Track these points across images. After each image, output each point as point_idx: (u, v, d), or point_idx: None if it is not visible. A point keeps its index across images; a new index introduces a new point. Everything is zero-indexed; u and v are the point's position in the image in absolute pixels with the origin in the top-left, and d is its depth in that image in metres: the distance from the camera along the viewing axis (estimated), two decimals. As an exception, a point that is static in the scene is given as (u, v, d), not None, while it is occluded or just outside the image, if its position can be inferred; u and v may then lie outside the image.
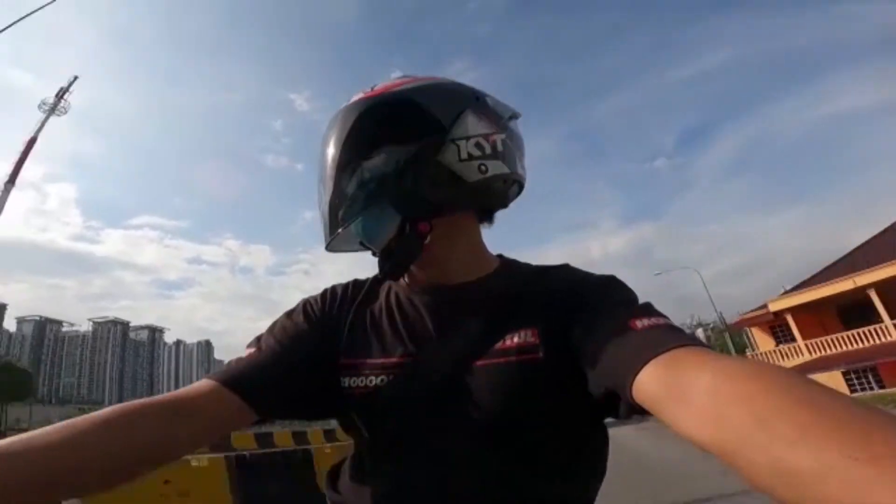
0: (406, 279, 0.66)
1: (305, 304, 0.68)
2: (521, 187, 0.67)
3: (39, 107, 65.19)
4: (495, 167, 0.60)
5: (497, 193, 0.63)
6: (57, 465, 0.43)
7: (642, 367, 0.43)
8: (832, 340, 18.98)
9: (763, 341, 22.44)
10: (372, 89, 0.63)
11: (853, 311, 19.02)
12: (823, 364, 17.85)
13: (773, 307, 20.82)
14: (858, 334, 18.23)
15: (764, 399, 0.32)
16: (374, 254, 0.63)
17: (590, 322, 0.53)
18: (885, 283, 17.33)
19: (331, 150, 0.61)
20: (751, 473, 0.31)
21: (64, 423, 0.47)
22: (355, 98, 0.63)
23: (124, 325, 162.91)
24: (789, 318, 20.31)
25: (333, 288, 0.70)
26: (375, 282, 0.69)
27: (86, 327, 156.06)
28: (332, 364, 0.61)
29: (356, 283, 0.70)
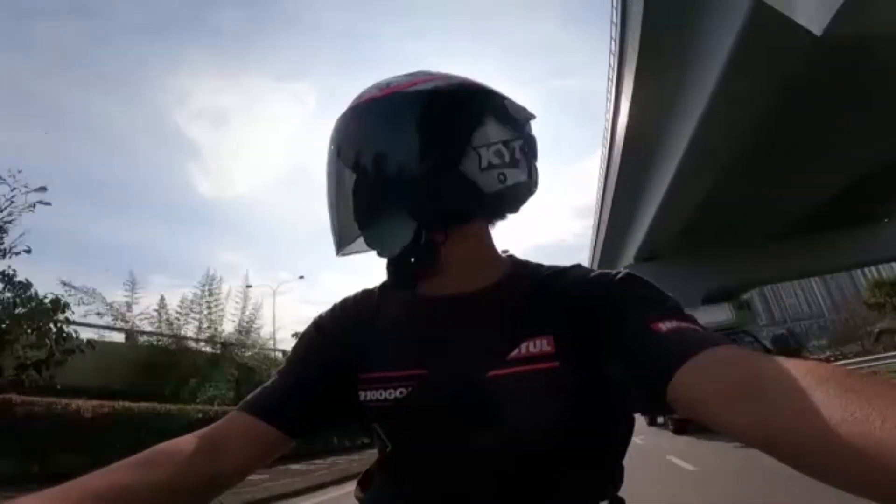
0: (418, 287, 0.65)
1: (317, 323, 0.68)
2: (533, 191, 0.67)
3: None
4: (513, 175, 0.59)
5: (512, 202, 0.63)
6: None
7: (678, 368, 0.43)
8: None
9: None
10: (388, 86, 0.60)
11: None
12: None
13: None
14: None
15: (810, 391, 0.33)
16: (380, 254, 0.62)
17: (613, 325, 0.52)
18: None
19: (343, 151, 0.61)
20: (801, 460, 0.33)
21: (104, 469, 0.49)
22: (369, 95, 0.61)
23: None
24: None
25: (344, 301, 0.69)
26: (385, 290, 0.68)
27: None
28: (351, 378, 0.61)
29: (365, 293, 0.69)
